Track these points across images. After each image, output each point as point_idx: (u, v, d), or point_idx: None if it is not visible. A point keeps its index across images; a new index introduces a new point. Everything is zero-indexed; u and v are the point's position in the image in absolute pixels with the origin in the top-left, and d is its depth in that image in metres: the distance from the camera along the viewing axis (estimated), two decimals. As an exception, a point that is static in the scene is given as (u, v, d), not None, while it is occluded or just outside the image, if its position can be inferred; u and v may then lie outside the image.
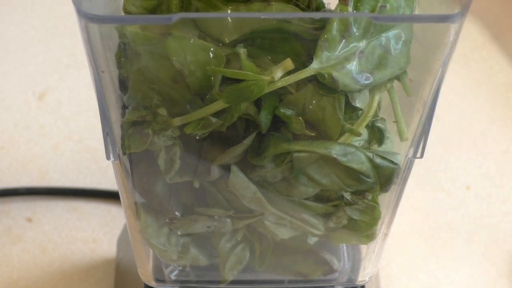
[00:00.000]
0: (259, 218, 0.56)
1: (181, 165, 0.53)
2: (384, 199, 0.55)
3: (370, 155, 0.52)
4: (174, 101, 0.50)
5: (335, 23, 0.48)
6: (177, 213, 0.56)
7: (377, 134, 0.54)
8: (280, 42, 0.48)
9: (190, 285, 0.61)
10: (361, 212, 0.55)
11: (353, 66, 0.49)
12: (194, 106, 0.50)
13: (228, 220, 0.56)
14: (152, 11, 0.52)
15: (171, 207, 0.56)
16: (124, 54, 0.50)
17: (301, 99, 0.50)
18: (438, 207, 0.85)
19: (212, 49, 0.48)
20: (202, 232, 0.57)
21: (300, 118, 0.50)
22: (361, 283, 0.63)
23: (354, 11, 0.49)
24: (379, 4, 0.49)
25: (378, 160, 0.52)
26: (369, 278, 0.64)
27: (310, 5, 0.50)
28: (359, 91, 0.50)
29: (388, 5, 0.49)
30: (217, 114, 0.50)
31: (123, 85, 0.51)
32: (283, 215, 0.55)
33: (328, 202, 0.55)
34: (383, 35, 0.49)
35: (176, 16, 0.47)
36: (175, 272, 0.61)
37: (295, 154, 0.51)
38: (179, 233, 0.57)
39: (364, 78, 0.49)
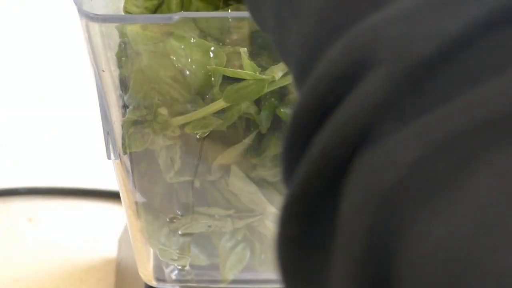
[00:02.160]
0: (259, 217, 0.56)
1: (182, 164, 0.53)
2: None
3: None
4: (174, 101, 0.50)
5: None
6: (177, 212, 0.56)
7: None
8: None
9: (190, 284, 0.61)
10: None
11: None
12: (194, 106, 0.50)
13: (229, 219, 0.56)
14: (153, 10, 0.52)
15: (172, 206, 0.56)
16: (124, 53, 0.50)
17: (302, 98, 0.50)
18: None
19: (212, 48, 0.48)
20: (203, 232, 0.57)
21: (301, 117, 0.50)
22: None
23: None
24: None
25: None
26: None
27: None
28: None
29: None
30: (217, 114, 0.50)
31: (123, 84, 0.51)
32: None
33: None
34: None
35: (177, 16, 0.47)
36: (176, 272, 0.61)
37: (296, 154, 0.51)
38: (179, 232, 0.58)
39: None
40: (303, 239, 0.24)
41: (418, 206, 0.20)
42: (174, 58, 0.48)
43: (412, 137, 0.21)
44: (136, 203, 0.56)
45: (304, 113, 0.24)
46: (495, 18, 0.22)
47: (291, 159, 0.24)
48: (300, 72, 0.26)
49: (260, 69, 0.48)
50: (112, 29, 0.49)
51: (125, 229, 0.72)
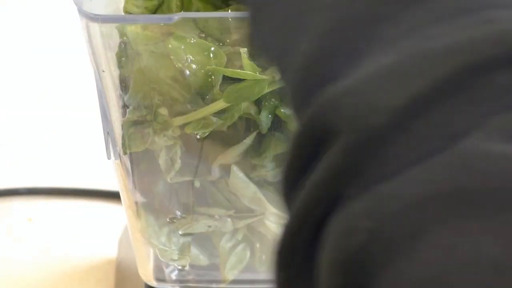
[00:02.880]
0: (259, 217, 0.56)
1: (182, 164, 0.53)
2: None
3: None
4: (174, 101, 0.50)
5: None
6: (177, 212, 0.56)
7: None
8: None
9: (190, 284, 0.61)
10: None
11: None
12: (194, 106, 0.50)
13: (229, 219, 0.56)
14: (153, 11, 0.52)
15: (172, 206, 0.56)
16: (125, 53, 0.50)
17: (302, 98, 0.50)
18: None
19: (212, 48, 0.48)
20: (203, 232, 0.57)
21: (301, 117, 0.50)
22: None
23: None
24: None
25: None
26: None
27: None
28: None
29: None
30: (217, 114, 0.50)
31: (123, 84, 0.51)
32: (284, 214, 0.55)
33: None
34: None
35: (177, 16, 0.47)
36: (176, 272, 0.61)
37: (296, 154, 0.51)
38: (179, 232, 0.58)
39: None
40: (291, 283, 0.28)
41: (380, 267, 0.23)
42: (174, 58, 0.48)
43: (370, 207, 0.24)
44: (136, 203, 0.56)
45: (290, 168, 0.27)
46: (440, 88, 0.24)
47: (286, 195, 0.28)
48: (294, 108, 0.29)
49: (260, 69, 0.48)
50: (112, 29, 0.49)
51: (125, 229, 0.72)
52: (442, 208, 0.23)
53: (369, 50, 0.26)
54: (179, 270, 0.61)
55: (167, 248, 0.58)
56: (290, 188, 0.28)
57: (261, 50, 0.32)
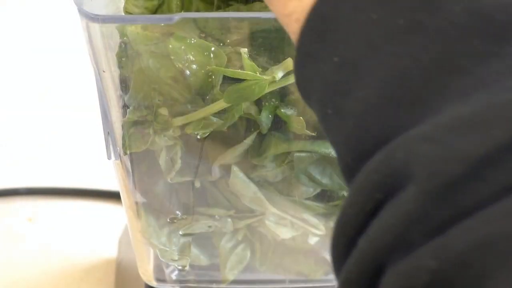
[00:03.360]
0: (259, 218, 0.56)
1: (182, 165, 0.53)
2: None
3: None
4: (175, 101, 0.50)
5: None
6: (178, 212, 0.56)
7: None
8: (281, 42, 0.49)
9: (190, 284, 0.61)
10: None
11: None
12: (195, 106, 0.50)
13: (229, 220, 0.56)
14: (153, 11, 0.52)
15: (172, 206, 0.56)
16: (125, 54, 0.50)
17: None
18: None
19: (213, 49, 0.48)
20: (203, 232, 0.57)
21: (301, 118, 0.50)
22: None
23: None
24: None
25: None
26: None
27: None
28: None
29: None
30: (218, 114, 0.50)
31: (124, 84, 0.51)
32: (284, 215, 0.55)
33: (329, 202, 0.55)
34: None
35: (177, 16, 0.47)
36: (176, 272, 0.61)
37: (296, 154, 0.51)
38: (180, 233, 0.58)
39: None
40: None
41: None
42: (175, 59, 0.48)
43: (435, 248, 0.25)
44: (137, 203, 0.56)
45: (348, 218, 0.28)
46: None
47: (339, 256, 0.28)
48: (343, 169, 0.30)
49: (260, 69, 0.48)
50: (112, 30, 0.49)
51: (125, 229, 0.72)
52: (504, 252, 0.23)
53: (443, 100, 0.27)
54: (179, 270, 0.61)
55: (167, 248, 0.58)
56: (344, 246, 0.28)
57: (305, 88, 0.32)
